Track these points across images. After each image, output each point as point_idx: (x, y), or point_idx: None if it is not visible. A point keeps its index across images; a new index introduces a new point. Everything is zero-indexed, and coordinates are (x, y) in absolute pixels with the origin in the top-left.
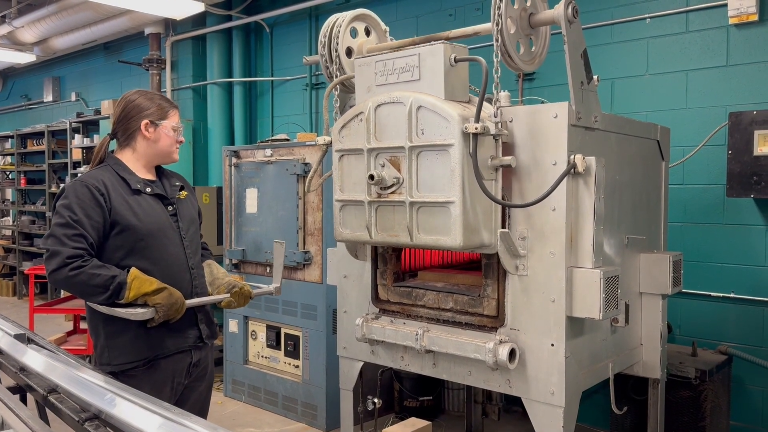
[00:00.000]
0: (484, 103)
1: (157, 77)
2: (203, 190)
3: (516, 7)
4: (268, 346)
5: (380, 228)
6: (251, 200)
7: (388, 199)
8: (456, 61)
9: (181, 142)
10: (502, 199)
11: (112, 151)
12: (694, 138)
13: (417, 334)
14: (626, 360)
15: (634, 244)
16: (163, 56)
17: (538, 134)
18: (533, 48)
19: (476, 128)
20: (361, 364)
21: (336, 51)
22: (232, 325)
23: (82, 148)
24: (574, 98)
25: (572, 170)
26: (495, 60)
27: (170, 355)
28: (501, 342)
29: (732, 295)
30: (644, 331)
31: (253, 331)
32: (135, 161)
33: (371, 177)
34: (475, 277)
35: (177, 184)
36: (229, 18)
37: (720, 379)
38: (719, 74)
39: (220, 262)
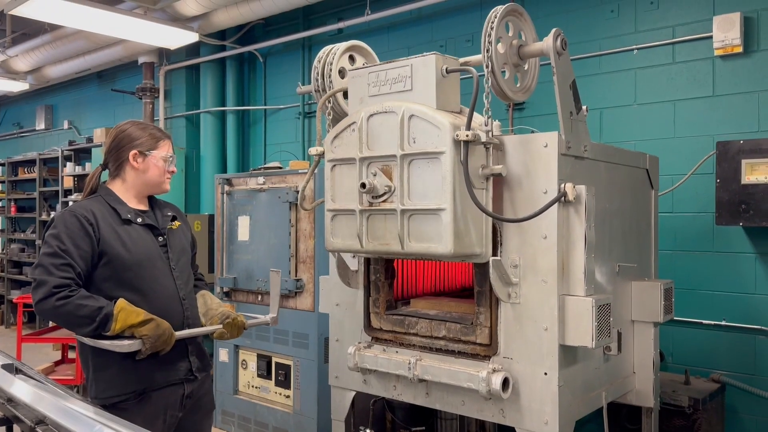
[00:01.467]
0: (475, 114)
1: (151, 106)
2: (195, 217)
3: (505, 41)
4: (259, 375)
5: (371, 237)
6: (243, 228)
7: (380, 207)
8: (447, 71)
9: (172, 172)
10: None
11: (104, 182)
12: (683, 167)
13: (410, 363)
14: (619, 389)
15: (625, 272)
16: (157, 85)
17: (529, 163)
18: (524, 79)
19: (467, 135)
20: (353, 393)
21: (330, 80)
22: (223, 355)
23: (74, 176)
24: (563, 128)
25: (563, 198)
26: (486, 85)
27: (161, 388)
28: (494, 371)
29: (723, 322)
30: (637, 360)
31: (244, 360)
32: (125, 191)
33: (363, 185)
34: (467, 304)
35: (169, 214)
36: (223, 48)
37: (713, 407)
38: (706, 104)
39: (211, 289)
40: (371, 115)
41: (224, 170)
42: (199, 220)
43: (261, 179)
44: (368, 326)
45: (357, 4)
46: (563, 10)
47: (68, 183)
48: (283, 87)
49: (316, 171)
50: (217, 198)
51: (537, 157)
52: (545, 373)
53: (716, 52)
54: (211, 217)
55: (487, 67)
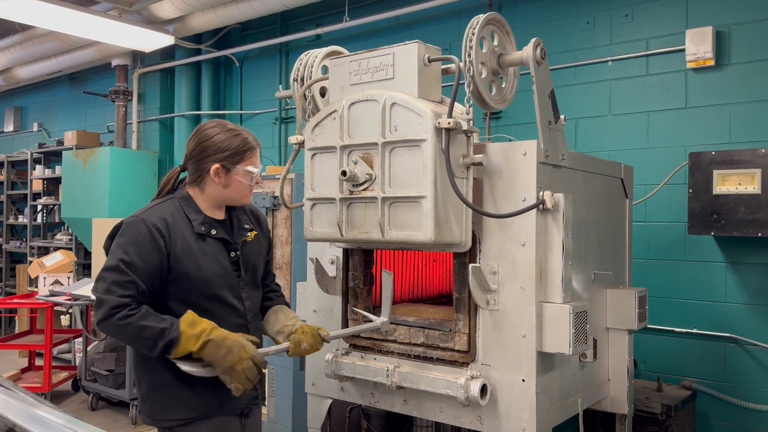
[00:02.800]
0: (456, 104)
1: (124, 109)
2: None
3: (485, 49)
4: None
5: (351, 225)
6: None
7: (360, 195)
8: (429, 60)
9: (257, 183)
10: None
11: (183, 182)
12: (656, 177)
13: (388, 370)
14: (594, 395)
15: (600, 279)
16: (130, 88)
17: (508, 171)
18: (503, 86)
19: (449, 123)
20: (330, 401)
21: (309, 90)
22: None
23: (43, 180)
24: (542, 136)
25: (541, 206)
26: (466, 105)
27: (223, 416)
28: (472, 377)
29: (695, 330)
30: (611, 367)
31: None
32: (203, 200)
33: (344, 173)
34: (446, 311)
35: (246, 227)
36: (199, 51)
37: (685, 414)
38: (679, 116)
39: None
40: (353, 104)
41: None
42: None
43: None
44: None
45: (335, 10)
46: (539, 21)
47: (37, 186)
48: (259, 92)
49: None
50: None
51: (516, 165)
52: (523, 380)
53: (689, 65)
54: None
55: (468, 71)
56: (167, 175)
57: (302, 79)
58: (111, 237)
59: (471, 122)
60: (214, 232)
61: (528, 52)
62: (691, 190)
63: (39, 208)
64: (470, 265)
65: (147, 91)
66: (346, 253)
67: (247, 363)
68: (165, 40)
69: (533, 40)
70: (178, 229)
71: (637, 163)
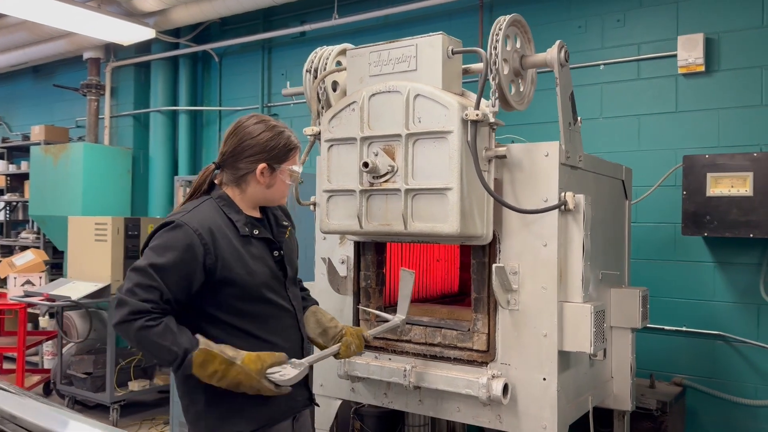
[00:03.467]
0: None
1: (95, 103)
2: (147, 221)
3: (509, 47)
4: None
5: (371, 217)
6: None
7: (381, 187)
8: (453, 52)
9: (299, 182)
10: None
11: (216, 175)
12: (647, 179)
13: (405, 370)
14: (601, 393)
15: (605, 279)
16: (103, 81)
17: (530, 171)
18: (521, 90)
19: (477, 115)
20: (339, 402)
21: (322, 82)
22: None
23: (6, 176)
24: (563, 138)
25: (563, 207)
26: (492, 98)
27: (276, 425)
28: (494, 377)
29: (684, 328)
30: (615, 365)
31: None
32: (241, 200)
33: (365, 164)
34: (459, 311)
35: (285, 224)
36: (176, 46)
37: (677, 410)
38: (669, 119)
39: None
40: (373, 95)
41: (175, 172)
42: (152, 223)
43: None
44: None
45: (321, 7)
46: (532, 24)
47: (0, 182)
48: (240, 88)
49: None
50: (177, 200)
51: (538, 166)
52: (544, 379)
53: (680, 70)
54: None
55: (494, 63)
56: (201, 173)
57: (316, 71)
58: (149, 240)
59: (495, 115)
60: (256, 231)
61: (552, 54)
62: (685, 192)
63: (2, 205)
64: (494, 266)
65: (120, 85)
66: (358, 252)
67: (261, 384)
68: (145, 33)
69: (557, 42)
70: (222, 234)
71: (628, 165)
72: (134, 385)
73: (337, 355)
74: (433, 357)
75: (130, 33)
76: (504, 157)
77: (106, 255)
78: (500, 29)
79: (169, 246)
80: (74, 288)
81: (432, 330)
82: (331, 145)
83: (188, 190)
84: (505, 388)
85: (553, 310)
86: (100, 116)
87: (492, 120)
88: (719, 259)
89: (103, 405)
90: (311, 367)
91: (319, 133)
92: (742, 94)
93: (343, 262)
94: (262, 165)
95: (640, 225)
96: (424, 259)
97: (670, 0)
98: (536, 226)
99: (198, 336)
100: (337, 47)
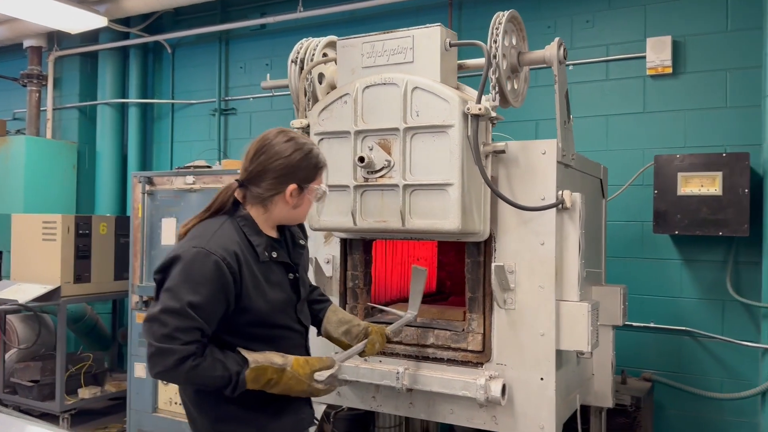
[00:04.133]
0: (474, 92)
1: (37, 94)
2: (99, 219)
3: (507, 43)
4: None
5: (366, 214)
6: (168, 231)
7: (377, 183)
8: (451, 45)
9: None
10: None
11: (238, 198)
12: (615, 178)
13: (398, 373)
14: (585, 391)
15: (588, 277)
16: (45, 71)
17: (527, 169)
18: (516, 87)
19: (480, 109)
20: (324, 407)
21: (309, 74)
22: (139, 370)
23: None
24: (560, 136)
25: (560, 205)
26: (492, 92)
27: None
28: (491, 377)
29: (652, 324)
30: (596, 362)
31: None
32: (264, 221)
33: (361, 159)
34: (449, 310)
35: (301, 242)
36: (126, 36)
37: (648, 405)
38: (637, 120)
39: (124, 299)
40: (368, 87)
41: (124, 168)
42: (105, 221)
43: (190, 178)
44: None
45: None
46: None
47: None
48: (195, 81)
49: None
50: (135, 198)
51: (535, 164)
52: (541, 378)
53: (649, 72)
54: (120, 219)
55: (494, 58)
56: (225, 191)
57: (302, 62)
58: (166, 267)
59: (495, 109)
60: (275, 255)
61: (552, 51)
62: (656, 191)
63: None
64: (493, 265)
65: (64, 76)
66: (345, 251)
67: (311, 387)
68: (96, 21)
69: (556, 39)
70: (245, 261)
71: None
72: (85, 393)
73: (362, 353)
74: (426, 358)
75: (79, 21)
76: (503, 152)
77: (55, 255)
78: (500, 23)
79: (202, 280)
80: (19, 290)
81: (424, 331)
82: (321, 139)
83: (208, 204)
84: (503, 388)
85: (551, 309)
86: (42, 108)
87: (493, 114)
88: (686, 257)
89: (51, 414)
90: None
91: (308, 127)
92: (707, 96)
93: (328, 262)
94: (292, 186)
95: (609, 223)
96: (406, 257)
97: (638, 3)
98: (534, 224)
99: (242, 352)
100: (324, 38)
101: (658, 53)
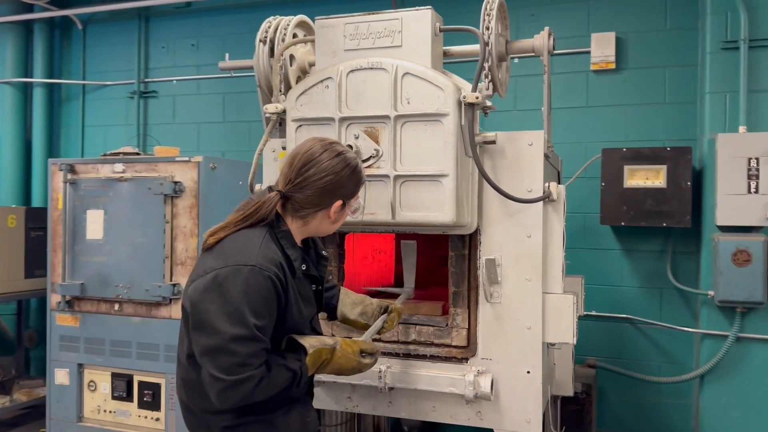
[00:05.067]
0: (461, 81)
1: None
2: (7, 211)
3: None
4: (115, 398)
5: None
6: (95, 224)
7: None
8: (441, 30)
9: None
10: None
11: (279, 211)
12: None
13: (380, 372)
14: (551, 381)
15: None
16: None
17: (513, 160)
18: (499, 77)
19: (477, 98)
20: None
21: (281, 56)
22: (60, 376)
23: None
24: (547, 127)
25: (548, 197)
26: (486, 80)
27: None
28: (479, 373)
29: (594, 312)
30: (557, 352)
31: (91, 381)
32: (297, 233)
33: (349, 148)
34: (427, 305)
35: (324, 253)
36: (30, 8)
37: (593, 390)
38: (580, 114)
39: (44, 299)
40: (353, 71)
41: (28, 153)
42: (14, 213)
43: (120, 166)
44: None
45: None
46: (445, 14)
47: None
48: (109, 61)
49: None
50: (53, 188)
51: (522, 155)
52: (528, 372)
53: (593, 67)
54: (32, 211)
55: (487, 45)
56: (266, 201)
57: (272, 42)
58: (213, 287)
59: (487, 98)
60: (304, 267)
61: (542, 40)
62: (603, 184)
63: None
64: (484, 258)
65: None
66: None
67: (359, 363)
68: None
69: (546, 28)
70: (287, 275)
71: None
72: None
73: (380, 330)
74: (407, 355)
75: None
76: (493, 143)
77: None
78: (492, 9)
79: (262, 300)
80: None
81: (405, 327)
82: (300, 125)
83: (243, 212)
84: (492, 383)
85: (538, 302)
86: None
87: (488, 103)
88: (626, 247)
89: None
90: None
91: (284, 112)
92: (647, 92)
93: None
94: (338, 202)
95: None
96: (369, 251)
97: None
98: (520, 216)
99: (297, 339)
100: (295, 18)
101: (602, 49)
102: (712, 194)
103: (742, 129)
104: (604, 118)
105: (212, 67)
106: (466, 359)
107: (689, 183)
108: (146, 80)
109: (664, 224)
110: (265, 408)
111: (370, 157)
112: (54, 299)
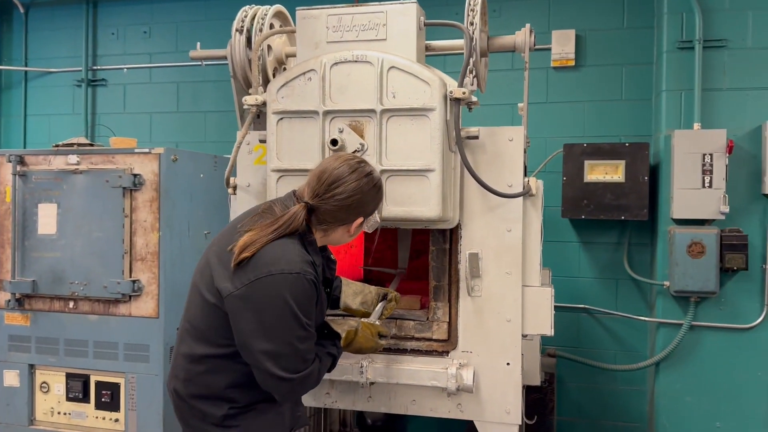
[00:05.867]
0: (444, 76)
1: None
2: None
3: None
4: (70, 399)
5: None
6: (47, 218)
7: None
8: (425, 24)
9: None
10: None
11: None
12: None
13: (362, 367)
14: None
15: None
16: None
17: (493, 155)
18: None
19: (463, 93)
20: None
21: (260, 46)
22: (9, 378)
23: None
24: (526, 123)
25: (528, 192)
26: (470, 75)
27: None
28: (461, 365)
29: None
30: (525, 343)
31: (44, 382)
32: (320, 242)
33: (334, 142)
34: (407, 299)
35: (333, 257)
36: None
37: (554, 379)
38: (540, 109)
39: None
40: (336, 63)
41: None
42: None
43: (74, 158)
44: None
45: None
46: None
47: None
48: (54, 47)
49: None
50: (0, 180)
51: (502, 150)
52: (508, 364)
53: (553, 64)
54: None
55: (471, 41)
56: (296, 216)
57: (249, 31)
58: (264, 295)
59: (472, 93)
60: (324, 273)
61: (523, 37)
62: (565, 178)
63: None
64: (467, 252)
65: None
66: None
67: (377, 343)
68: None
69: (527, 26)
70: (319, 278)
71: None
72: None
73: (380, 316)
74: (388, 350)
75: None
76: (476, 137)
77: None
78: (476, 5)
79: (309, 301)
80: None
81: (384, 321)
82: (281, 118)
83: (275, 225)
84: (473, 376)
85: (518, 295)
86: None
87: (473, 99)
88: (584, 239)
89: None
90: None
91: (263, 104)
92: (605, 89)
93: None
94: (360, 219)
95: None
96: (344, 245)
97: None
98: (501, 211)
99: (332, 326)
100: (272, 8)
101: (562, 46)
102: (668, 188)
103: (696, 126)
104: (564, 113)
105: (165, 55)
106: (447, 352)
107: (646, 177)
108: (95, 68)
109: (623, 217)
110: (262, 399)
111: (356, 151)
112: (2, 297)
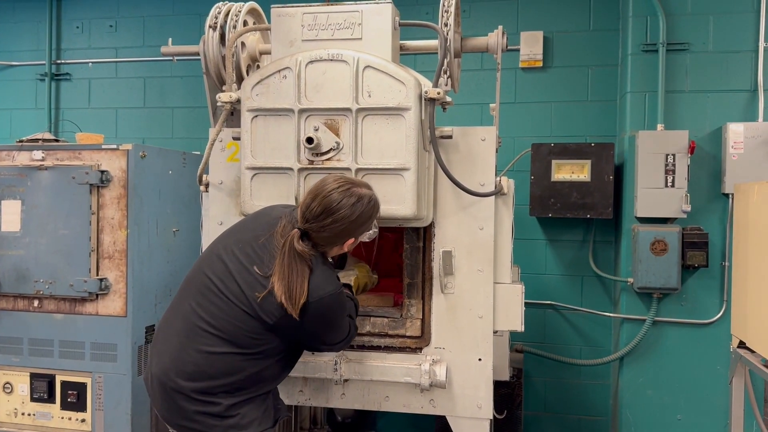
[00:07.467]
0: (419, 76)
1: None
2: None
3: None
4: (34, 399)
5: None
6: (11, 216)
7: (324, 166)
8: (400, 24)
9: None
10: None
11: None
12: None
13: (336, 364)
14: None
15: None
16: None
17: (466, 154)
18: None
19: (438, 93)
20: None
21: (234, 43)
22: None
23: None
24: (497, 123)
25: (500, 191)
26: (444, 76)
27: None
28: (434, 362)
29: None
30: (495, 338)
31: (7, 383)
32: None
33: (309, 140)
34: (378, 297)
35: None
36: None
37: (521, 374)
38: (508, 109)
39: None
40: (312, 62)
41: None
42: None
43: (39, 153)
44: None
45: None
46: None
47: None
48: (16, 40)
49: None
50: None
51: (475, 150)
52: (480, 359)
53: (521, 64)
54: None
55: (446, 41)
56: (292, 238)
57: (222, 28)
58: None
59: (446, 93)
60: None
61: (496, 39)
62: (533, 177)
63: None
64: (441, 250)
65: None
66: None
67: (373, 280)
68: None
69: (500, 27)
70: None
71: None
72: None
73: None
74: (361, 347)
75: None
76: (450, 137)
77: None
78: (450, 6)
79: (347, 303)
80: None
81: (359, 319)
82: (256, 116)
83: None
84: (446, 372)
85: (489, 292)
86: None
87: (448, 99)
88: (550, 237)
89: None
90: None
91: (238, 101)
92: (572, 90)
93: None
94: (352, 239)
95: None
96: None
97: None
98: (473, 210)
99: (342, 279)
100: (246, 5)
101: (530, 47)
102: (632, 188)
103: (660, 127)
104: (532, 113)
105: (132, 49)
106: (420, 349)
107: (611, 177)
108: (58, 62)
109: (588, 216)
110: (258, 393)
111: (331, 149)
112: None
